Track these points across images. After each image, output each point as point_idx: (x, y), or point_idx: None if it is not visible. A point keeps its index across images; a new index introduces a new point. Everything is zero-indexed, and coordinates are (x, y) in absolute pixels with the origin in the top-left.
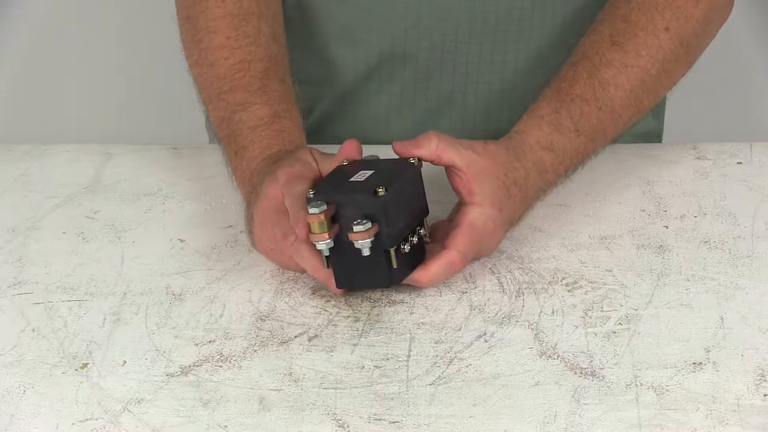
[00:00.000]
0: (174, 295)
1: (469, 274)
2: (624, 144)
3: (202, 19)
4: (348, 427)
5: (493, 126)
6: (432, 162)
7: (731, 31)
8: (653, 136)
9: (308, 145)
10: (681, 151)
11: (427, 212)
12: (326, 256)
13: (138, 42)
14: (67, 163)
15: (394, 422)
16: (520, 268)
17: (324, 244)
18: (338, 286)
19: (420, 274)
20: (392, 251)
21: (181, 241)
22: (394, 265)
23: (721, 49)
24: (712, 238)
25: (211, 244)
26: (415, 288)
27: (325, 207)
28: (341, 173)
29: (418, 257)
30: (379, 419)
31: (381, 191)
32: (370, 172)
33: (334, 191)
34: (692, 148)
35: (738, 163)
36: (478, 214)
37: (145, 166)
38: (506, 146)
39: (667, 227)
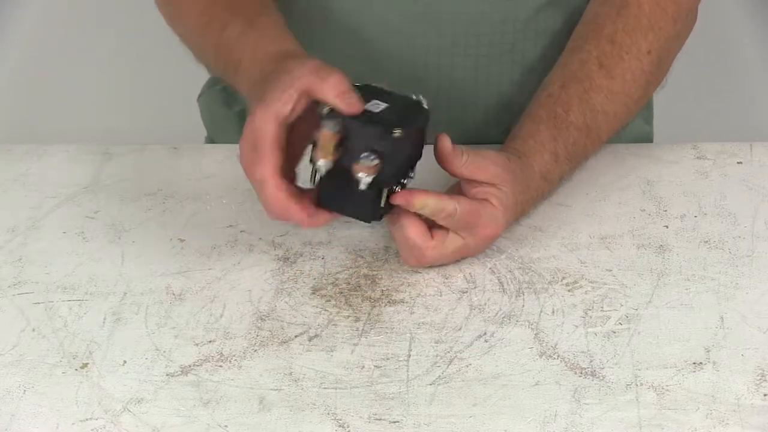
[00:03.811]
0: (174, 295)
1: (469, 274)
2: (624, 144)
3: None
4: (348, 427)
5: (492, 139)
6: (452, 173)
7: (731, 31)
8: (646, 141)
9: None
10: (681, 151)
11: (421, 156)
12: (316, 174)
13: (138, 42)
14: (67, 163)
15: (394, 422)
16: (520, 267)
17: (323, 163)
18: (320, 204)
19: (415, 194)
20: (385, 191)
21: (181, 241)
22: (381, 204)
23: (721, 50)
24: (712, 238)
25: (211, 244)
26: (415, 288)
27: (338, 128)
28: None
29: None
30: (379, 419)
31: (398, 133)
32: (384, 105)
33: (349, 116)
34: (692, 148)
35: (738, 163)
36: (489, 211)
37: (145, 166)
38: (521, 167)
39: (667, 227)
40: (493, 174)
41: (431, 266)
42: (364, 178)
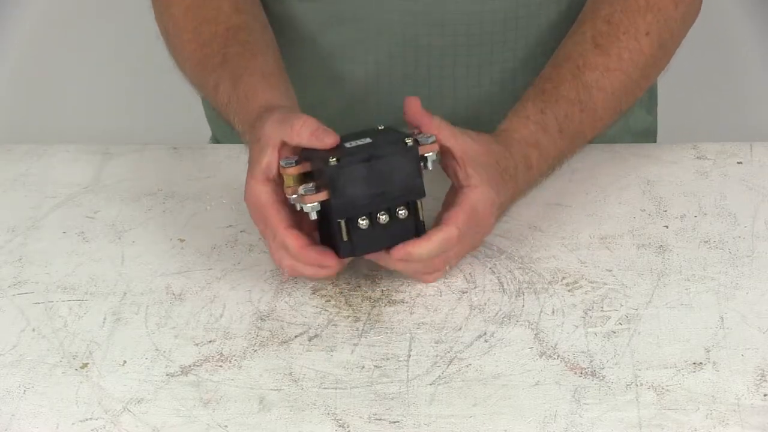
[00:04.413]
0: (174, 295)
1: (470, 274)
2: (624, 144)
3: (169, 24)
4: (348, 427)
5: (481, 125)
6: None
7: (731, 31)
8: (650, 132)
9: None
10: (681, 151)
11: (419, 195)
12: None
13: (138, 42)
14: (67, 163)
15: (394, 422)
16: (520, 267)
17: (291, 198)
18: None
19: (418, 245)
20: (342, 223)
21: (181, 241)
22: (344, 238)
23: (721, 50)
24: (712, 238)
25: (211, 244)
26: (415, 288)
27: (292, 162)
28: (348, 137)
29: (392, 238)
30: (379, 419)
31: (332, 161)
32: (367, 141)
33: (307, 151)
34: (692, 148)
35: (738, 163)
36: (477, 195)
37: (145, 166)
38: (497, 140)
39: (667, 227)
40: (462, 141)
41: None
42: (305, 207)
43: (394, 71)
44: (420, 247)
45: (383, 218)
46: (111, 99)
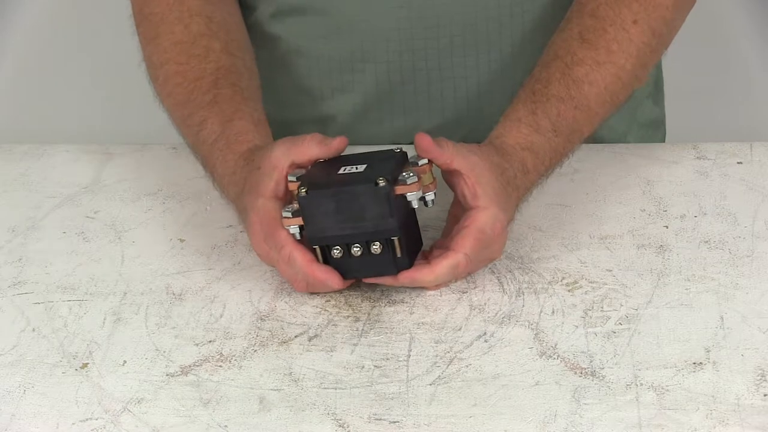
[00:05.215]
0: (174, 295)
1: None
2: (624, 144)
3: (155, 54)
4: (348, 427)
5: (472, 123)
6: (442, 166)
7: (731, 31)
8: (658, 123)
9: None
10: (681, 151)
11: (392, 234)
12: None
13: (138, 42)
14: (67, 163)
15: (394, 422)
16: (520, 267)
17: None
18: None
19: (424, 273)
20: (317, 249)
21: (181, 241)
22: (319, 259)
23: (721, 50)
24: (712, 238)
25: (211, 244)
26: (415, 288)
27: (294, 179)
28: (351, 158)
29: (370, 270)
30: (379, 419)
31: (302, 190)
32: (360, 169)
33: (302, 174)
34: (692, 148)
35: (738, 163)
36: (486, 217)
37: (145, 166)
38: (495, 149)
39: (667, 227)
40: (469, 160)
41: None
42: (290, 229)
43: (393, 78)
44: (427, 275)
45: (356, 251)
46: (111, 99)
